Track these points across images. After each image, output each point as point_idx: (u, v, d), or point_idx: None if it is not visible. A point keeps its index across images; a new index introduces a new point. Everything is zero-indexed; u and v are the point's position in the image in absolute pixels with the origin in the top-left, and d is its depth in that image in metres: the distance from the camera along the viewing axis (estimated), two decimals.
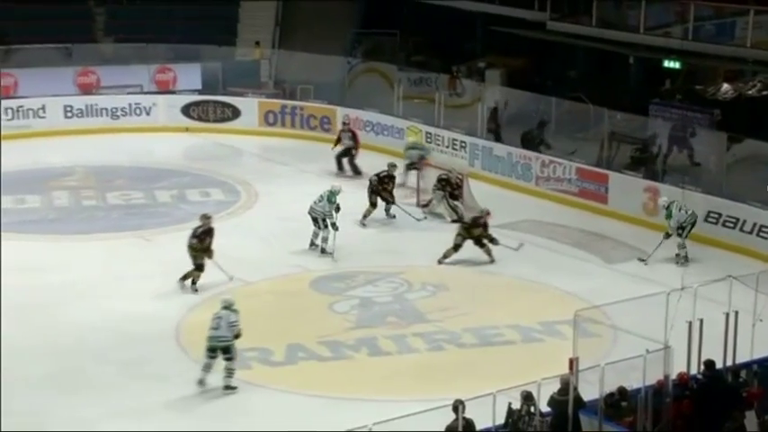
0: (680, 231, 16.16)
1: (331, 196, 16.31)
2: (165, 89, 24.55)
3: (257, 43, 26.10)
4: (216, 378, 12.27)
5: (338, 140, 21.09)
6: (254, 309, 13.65)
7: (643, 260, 16.37)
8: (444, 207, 18.10)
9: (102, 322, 13.75)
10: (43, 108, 23.12)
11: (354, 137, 21.06)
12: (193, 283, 14.87)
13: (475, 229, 16.23)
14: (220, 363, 12.05)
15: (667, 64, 21.76)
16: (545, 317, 14.16)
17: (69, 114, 23.41)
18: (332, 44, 25.03)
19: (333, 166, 20.77)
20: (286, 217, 17.55)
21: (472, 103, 22.72)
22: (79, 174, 20.55)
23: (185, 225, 17.30)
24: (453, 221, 17.40)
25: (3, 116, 22.67)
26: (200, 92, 24.42)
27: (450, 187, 18.10)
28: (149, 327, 13.64)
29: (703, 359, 11.03)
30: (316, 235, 16.41)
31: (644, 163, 19.47)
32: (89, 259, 16.07)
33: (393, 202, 18.08)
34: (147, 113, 23.91)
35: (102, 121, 23.57)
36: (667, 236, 16.25)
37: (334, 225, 16.25)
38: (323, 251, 16.28)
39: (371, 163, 20.01)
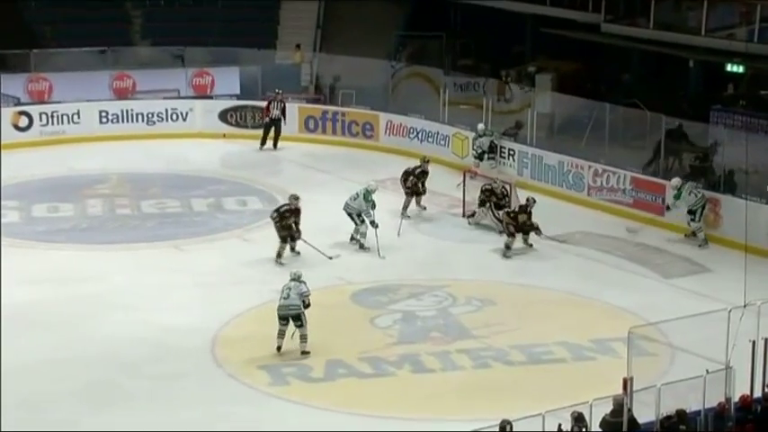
0: (692, 217, 17.26)
1: (367, 195, 17.07)
2: (202, 94, 24.76)
3: (298, 46, 26.24)
4: (254, 396, 12.32)
5: (267, 110, 22.66)
6: (296, 330, 13.65)
7: (633, 231, 17.40)
8: (491, 219, 18.03)
9: (136, 335, 13.86)
10: (78, 113, 23.41)
11: (284, 109, 22.74)
12: (278, 255, 16.20)
13: (521, 215, 16.88)
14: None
15: (730, 68, 21.45)
16: (597, 334, 14.01)
17: (104, 120, 23.69)
18: (375, 47, 25.07)
19: (377, 173, 20.75)
20: (327, 227, 17.56)
21: (521, 109, 22.60)
22: (113, 181, 20.78)
23: (221, 235, 17.49)
24: (501, 233, 17.37)
25: (37, 122, 23.04)
26: (238, 97, 24.60)
27: (496, 197, 18.04)
28: (184, 340, 13.72)
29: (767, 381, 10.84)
30: (356, 231, 17.10)
31: (704, 173, 19.21)
32: (122, 270, 16.21)
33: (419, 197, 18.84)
34: (184, 119, 24.12)
35: (138, 127, 23.81)
36: (668, 208, 17.66)
37: (373, 223, 16.90)
38: (361, 246, 16.98)
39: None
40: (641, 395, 10.26)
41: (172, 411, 11.99)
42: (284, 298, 13.23)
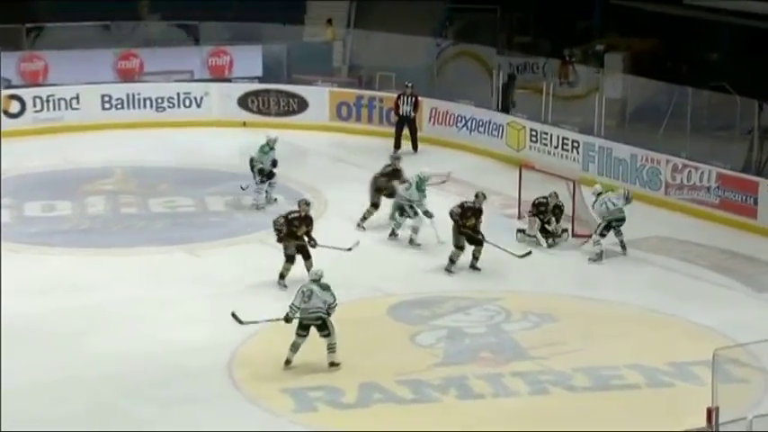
0: (598, 226, 17.03)
1: (420, 183, 17.40)
2: (219, 76, 24.99)
3: (329, 21, 26.38)
4: (277, 424, 12.39)
5: (396, 107, 22.37)
6: (322, 340, 13.72)
7: (595, 259, 16.87)
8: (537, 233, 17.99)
9: (143, 352, 13.96)
10: (77, 98, 23.76)
11: (416, 103, 22.25)
12: (281, 277, 15.73)
13: (469, 220, 16.43)
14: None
15: None
16: (676, 356, 13.92)
17: (107, 105, 24.03)
18: (418, 23, 25.16)
19: (416, 168, 20.74)
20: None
21: (588, 94, 22.60)
22: (118, 176, 21.02)
23: (240, 238, 17.58)
24: (550, 246, 17.52)
25: (30, 107, 23.34)
26: (260, 79, 24.79)
27: (550, 214, 17.81)
28: (198, 359, 13.80)
29: None
30: (398, 225, 17.44)
31: None
32: (127, 278, 16.35)
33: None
34: (198, 105, 24.39)
35: (146, 114, 24.13)
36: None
37: (427, 213, 17.25)
38: (411, 242, 17.38)
39: (463, 164, 19.98)
40: (729, 428, 10.19)
41: None
42: (305, 302, 13.18)
